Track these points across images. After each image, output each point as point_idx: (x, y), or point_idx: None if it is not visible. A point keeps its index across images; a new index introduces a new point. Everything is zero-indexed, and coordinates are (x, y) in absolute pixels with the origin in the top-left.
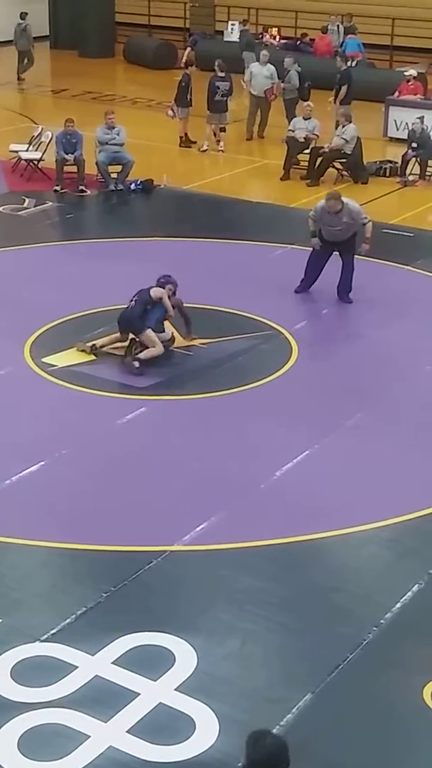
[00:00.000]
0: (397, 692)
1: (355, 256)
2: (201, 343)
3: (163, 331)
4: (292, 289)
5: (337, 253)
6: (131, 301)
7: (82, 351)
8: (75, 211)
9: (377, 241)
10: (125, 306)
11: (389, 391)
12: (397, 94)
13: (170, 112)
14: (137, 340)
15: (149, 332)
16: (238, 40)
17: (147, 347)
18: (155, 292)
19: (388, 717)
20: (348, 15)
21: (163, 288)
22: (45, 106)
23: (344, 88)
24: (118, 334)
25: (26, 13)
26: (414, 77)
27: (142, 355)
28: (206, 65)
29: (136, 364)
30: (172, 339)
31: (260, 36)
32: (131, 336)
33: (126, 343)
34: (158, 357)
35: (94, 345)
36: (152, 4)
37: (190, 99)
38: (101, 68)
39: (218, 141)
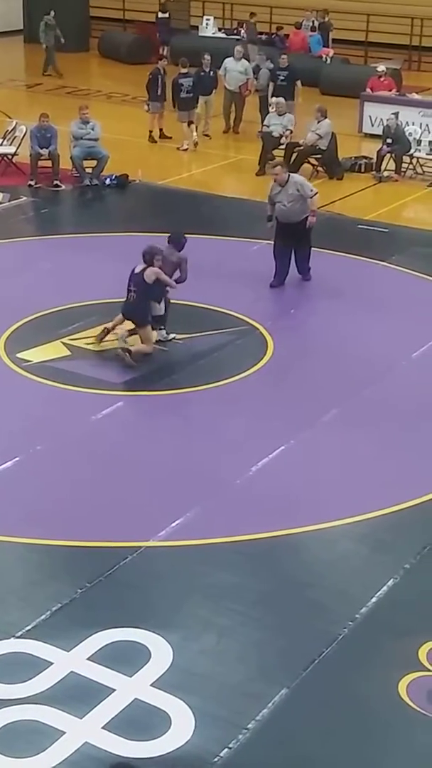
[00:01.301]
0: (372, 687)
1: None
2: (177, 339)
3: (160, 303)
4: (268, 285)
5: (294, 249)
6: (130, 291)
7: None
8: (49, 206)
9: (353, 236)
10: (124, 298)
11: (365, 386)
12: (369, 89)
13: (146, 107)
14: (108, 330)
15: (149, 329)
16: (212, 34)
17: (140, 339)
18: (149, 276)
19: (363, 711)
20: (323, 11)
21: (152, 265)
22: (19, 100)
23: (299, 83)
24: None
25: (52, 9)
26: (385, 72)
27: (133, 349)
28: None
29: (128, 356)
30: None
31: (235, 31)
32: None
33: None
34: (147, 355)
35: (105, 329)
36: None
37: (162, 93)
38: (76, 63)
39: (195, 135)
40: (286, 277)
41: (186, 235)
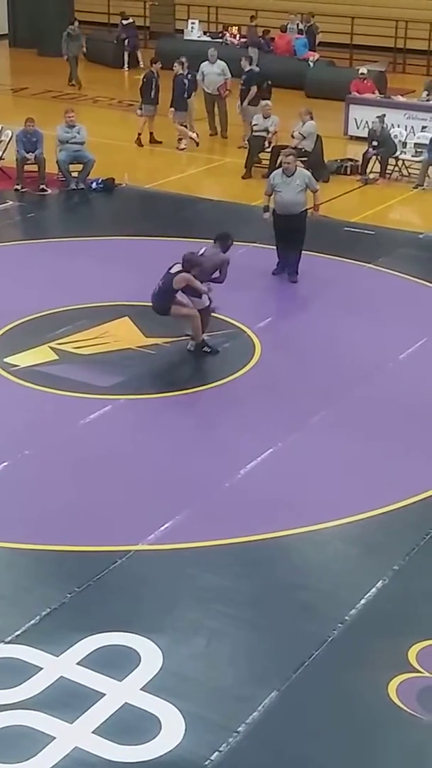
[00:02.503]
0: (362, 688)
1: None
2: (164, 342)
3: (200, 298)
4: (255, 288)
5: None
6: (158, 284)
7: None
8: (36, 211)
9: (339, 239)
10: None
11: (353, 388)
12: (354, 92)
13: (139, 111)
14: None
15: (174, 308)
16: (197, 38)
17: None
18: (178, 282)
19: (353, 713)
20: (308, 14)
21: (188, 273)
22: (4, 104)
23: (253, 89)
24: None
25: (76, 19)
26: (366, 75)
27: (186, 330)
28: (167, 64)
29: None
30: (209, 306)
31: (220, 35)
32: None
33: None
34: (200, 314)
35: None
36: (112, 2)
37: (155, 97)
38: (61, 66)
39: (180, 139)
40: (286, 266)
41: (233, 239)
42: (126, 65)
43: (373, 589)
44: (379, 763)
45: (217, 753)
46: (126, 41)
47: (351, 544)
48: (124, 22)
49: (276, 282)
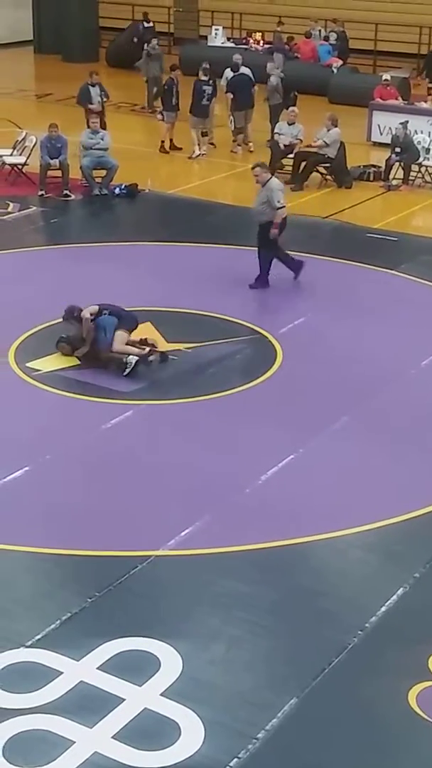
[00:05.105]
0: (382, 696)
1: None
2: (186, 348)
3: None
4: (277, 293)
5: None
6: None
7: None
8: (59, 216)
9: (361, 245)
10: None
11: (374, 395)
12: (378, 98)
13: (159, 116)
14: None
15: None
16: (221, 44)
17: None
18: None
19: (373, 721)
20: (336, 21)
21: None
22: (29, 110)
23: (229, 96)
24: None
25: (156, 39)
26: (390, 81)
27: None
28: (191, 70)
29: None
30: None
31: (244, 41)
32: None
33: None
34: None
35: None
36: (136, 9)
37: (177, 103)
38: (85, 73)
39: (199, 145)
40: (266, 278)
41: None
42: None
43: (394, 597)
44: None
45: (236, 759)
46: (145, 45)
47: (371, 551)
48: (145, 24)
49: (297, 288)
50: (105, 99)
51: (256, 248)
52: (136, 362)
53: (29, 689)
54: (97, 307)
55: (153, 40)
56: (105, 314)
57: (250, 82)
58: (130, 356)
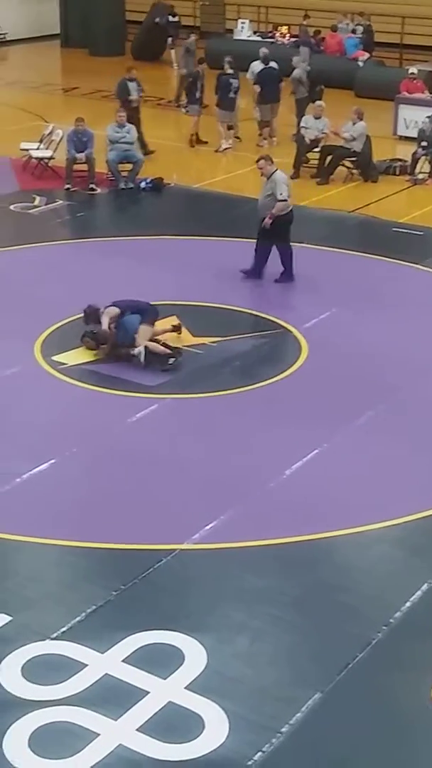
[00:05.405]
0: (406, 692)
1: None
2: (211, 342)
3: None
4: (303, 289)
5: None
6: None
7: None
8: (85, 210)
9: (387, 239)
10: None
11: (399, 390)
12: (404, 92)
13: (185, 110)
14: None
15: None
16: (247, 37)
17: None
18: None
19: (396, 716)
20: (363, 15)
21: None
22: (55, 104)
23: (257, 89)
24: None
25: (192, 34)
26: (415, 75)
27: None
28: (217, 63)
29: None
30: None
31: (270, 34)
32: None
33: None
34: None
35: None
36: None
37: (200, 97)
38: (111, 66)
39: (226, 139)
40: (260, 272)
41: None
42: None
43: (418, 592)
44: (421, 766)
45: (260, 753)
46: (170, 39)
47: (396, 546)
48: (170, 18)
49: (323, 282)
50: (141, 94)
51: (256, 241)
52: (145, 349)
53: (54, 681)
54: (117, 310)
55: (191, 35)
56: (127, 314)
57: (279, 76)
58: (137, 348)
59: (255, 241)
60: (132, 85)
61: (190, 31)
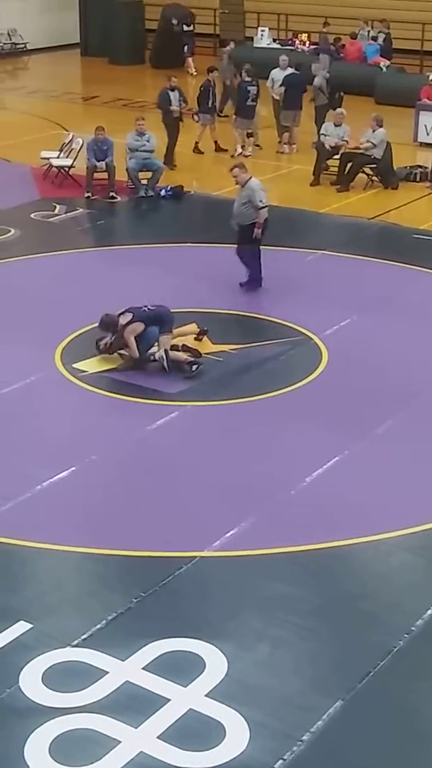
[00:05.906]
0: (427, 700)
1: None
2: (231, 349)
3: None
4: (324, 296)
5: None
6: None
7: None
8: (105, 218)
9: (407, 246)
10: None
11: (419, 398)
12: (425, 99)
13: (196, 118)
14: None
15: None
16: (267, 45)
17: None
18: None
19: (418, 724)
20: (384, 21)
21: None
22: (75, 113)
23: (281, 91)
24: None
25: (227, 41)
26: None
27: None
28: (238, 71)
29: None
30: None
31: (290, 42)
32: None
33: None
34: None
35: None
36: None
37: (213, 105)
38: (131, 75)
39: (244, 146)
40: (257, 278)
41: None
42: (194, 70)
43: None
44: None
45: (281, 761)
46: (185, 47)
47: (416, 554)
48: (185, 28)
49: (343, 289)
50: (183, 104)
51: (236, 249)
52: (166, 353)
53: (75, 688)
54: (141, 326)
55: (231, 43)
56: (148, 328)
57: (302, 84)
58: (158, 352)
59: (235, 250)
60: (173, 95)
61: (215, 39)
